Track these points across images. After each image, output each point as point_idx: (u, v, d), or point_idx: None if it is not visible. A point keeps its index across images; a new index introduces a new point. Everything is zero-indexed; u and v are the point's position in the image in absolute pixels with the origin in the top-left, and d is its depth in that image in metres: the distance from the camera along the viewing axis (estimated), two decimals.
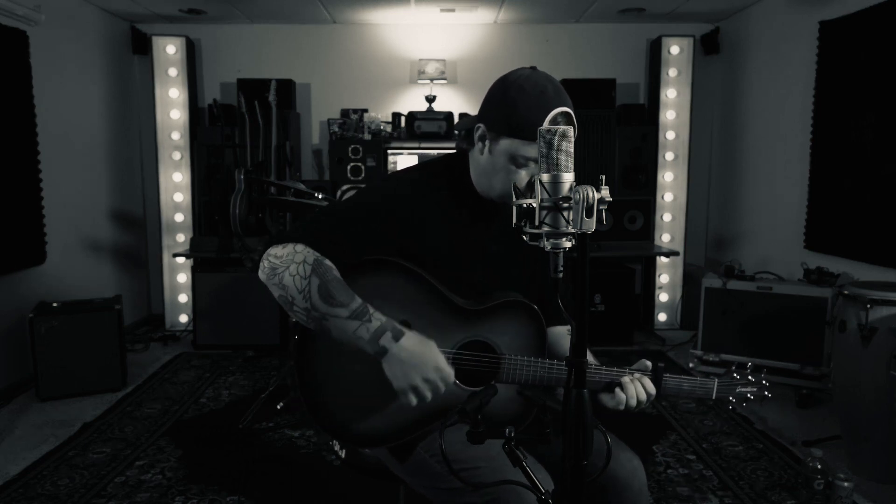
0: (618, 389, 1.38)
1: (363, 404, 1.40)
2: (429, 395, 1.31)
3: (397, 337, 1.30)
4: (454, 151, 1.56)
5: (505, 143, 1.36)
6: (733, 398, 1.53)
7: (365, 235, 1.37)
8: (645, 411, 3.42)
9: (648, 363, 1.44)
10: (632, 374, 1.41)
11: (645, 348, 4.59)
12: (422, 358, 1.30)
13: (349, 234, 1.36)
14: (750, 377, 1.54)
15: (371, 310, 1.31)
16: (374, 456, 1.59)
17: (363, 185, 3.75)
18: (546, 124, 1.30)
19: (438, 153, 4.80)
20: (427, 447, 1.44)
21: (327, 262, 1.32)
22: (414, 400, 1.31)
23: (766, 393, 1.54)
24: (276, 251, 1.33)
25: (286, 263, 1.31)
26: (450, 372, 1.33)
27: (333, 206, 1.48)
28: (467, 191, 1.49)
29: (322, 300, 1.29)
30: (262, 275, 1.35)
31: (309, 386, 1.42)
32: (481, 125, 1.41)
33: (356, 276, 1.36)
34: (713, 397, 1.52)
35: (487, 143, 1.40)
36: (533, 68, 1.41)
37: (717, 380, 1.51)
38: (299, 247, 1.32)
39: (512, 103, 1.34)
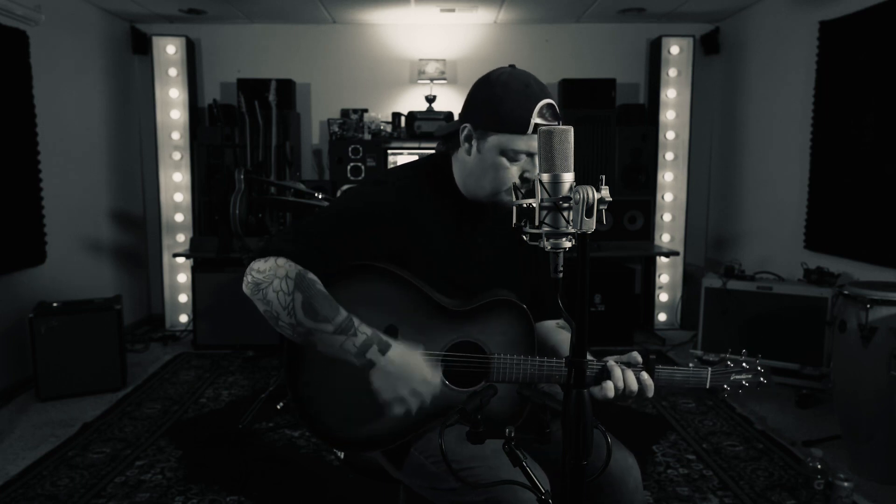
0: (606, 381, 1.34)
1: (355, 409, 1.39)
2: (415, 406, 1.32)
3: (384, 350, 1.30)
4: (434, 154, 1.56)
5: (494, 140, 1.37)
6: (728, 386, 1.51)
7: (349, 242, 1.36)
8: (645, 411, 3.42)
9: (637, 356, 1.40)
10: (622, 364, 1.37)
11: (645, 348, 4.59)
12: (409, 370, 1.31)
13: (333, 242, 1.35)
14: (744, 364, 1.52)
15: (356, 322, 1.30)
16: (372, 457, 1.59)
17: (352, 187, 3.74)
18: (535, 117, 1.32)
19: None
20: (421, 449, 1.44)
21: (310, 275, 1.31)
22: (401, 411, 1.32)
23: (762, 378, 1.51)
24: (259, 265, 1.32)
25: (269, 279, 1.30)
26: (437, 382, 1.34)
27: (317, 214, 1.46)
28: (452, 193, 1.49)
29: (306, 316, 1.28)
30: (246, 289, 1.34)
31: (301, 392, 1.41)
32: (467, 125, 1.41)
33: (342, 282, 1.36)
34: (707, 386, 1.49)
35: (475, 142, 1.40)
36: (512, 66, 1.43)
37: (710, 369, 1.49)
38: (281, 260, 1.30)
39: (498, 100, 1.35)
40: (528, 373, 1.40)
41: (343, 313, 1.30)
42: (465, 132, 1.42)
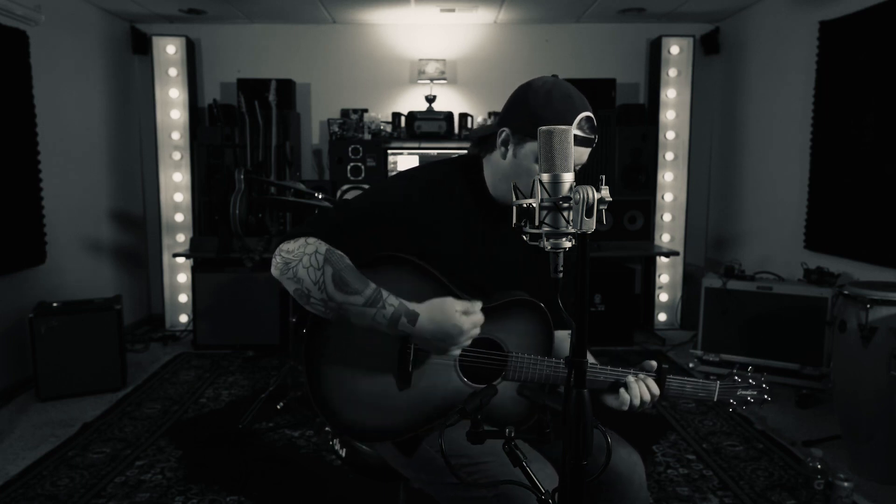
0: (622, 390, 1.39)
1: (370, 400, 1.41)
2: (468, 340, 1.36)
3: (412, 320, 1.33)
4: (465, 154, 1.56)
5: (531, 146, 1.38)
6: (734, 400, 1.55)
7: (375, 235, 1.39)
8: (645, 411, 3.42)
9: (654, 363, 1.45)
10: (636, 374, 1.42)
11: (645, 348, 4.59)
12: (442, 330, 1.33)
13: (359, 233, 1.38)
14: (751, 380, 1.56)
15: (384, 294, 1.33)
16: (375, 454, 1.59)
17: (365, 185, 3.75)
18: (574, 128, 1.32)
19: (438, 153, 4.82)
20: (432, 443, 1.45)
21: (338, 251, 1.34)
22: (458, 351, 1.39)
23: (766, 396, 1.56)
24: (288, 246, 1.35)
25: (298, 256, 1.33)
26: (474, 319, 1.35)
27: (345, 203, 1.49)
28: (480, 195, 1.50)
29: (337, 289, 1.31)
30: (275, 271, 1.37)
31: (316, 381, 1.42)
32: (506, 129, 1.42)
33: (365, 272, 1.37)
34: (715, 399, 1.54)
35: (512, 147, 1.41)
36: (555, 76, 1.44)
37: (718, 382, 1.53)
38: (311, 239, 1.34)
39: (539, 107, 1.36)
40: (544, 373, 1.41)
41: (371, 285, 1.32)
42: (503, 136, 1.43)
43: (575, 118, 1.33)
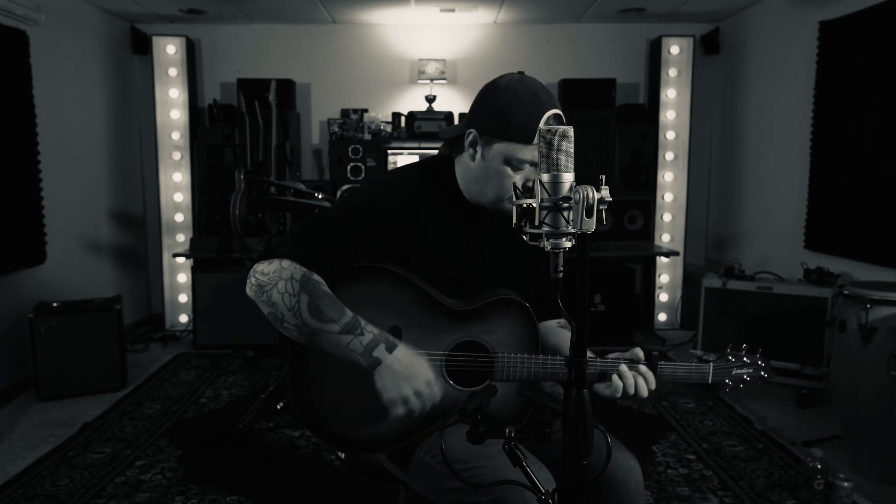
0: (615, 377, 1.36)
1: (360, 411, 1.39)
2: (417, 408, 1.31)
3: (391, 349, 1.30)
4: (438, 155, 1.55)
5: (499, 147, 1.37)
6: (730, 381, 1.52)
7: (350, 243, 1.36)
8: (645, 411, 3.42)
9: (640, 352, 1.42)
10: (628, 363, 1.39)
11: (645, 348, 4.58)
12: (414, 370, 1.31)
13: (338, 244, 1.35)
14: (745, 359, 1.54)
15: (363, 322, 1.30)
16: (376, 458, 1.59)
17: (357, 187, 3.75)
18: (542, 126, 1.30)
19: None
20: (427, 449, 1.44)
21: (315, 276, 1.31)
22: (403, 412, 1.30)
23: (763, 373, 1.53)
24: (263, 268, 1.33)
25: (273, 280, 1.30)
26: (438, 388, 1.33)
27: (321, 214, 1.47)
28: (454, 195, 1.49)
29: (312, 317, 1.28)
30: (249, 292, 1.35)
31: (305, 394, 1.41)
32: (472, 131, 1.41)
33: (346, 283, 1.36)
34: (709, 381, 1.51)
35: (480, 148, 1.40)
36: (521, 73, 1.42)
37: (712, 364, 1.50)
38: (286, 263, 1.31)
39: (505, 107, 1.34)
40: (532, 371, 1.40)
41: (349, 314, 1.30)
42: (471, 138, 1.41)
43: (543, 116, 1.31)
